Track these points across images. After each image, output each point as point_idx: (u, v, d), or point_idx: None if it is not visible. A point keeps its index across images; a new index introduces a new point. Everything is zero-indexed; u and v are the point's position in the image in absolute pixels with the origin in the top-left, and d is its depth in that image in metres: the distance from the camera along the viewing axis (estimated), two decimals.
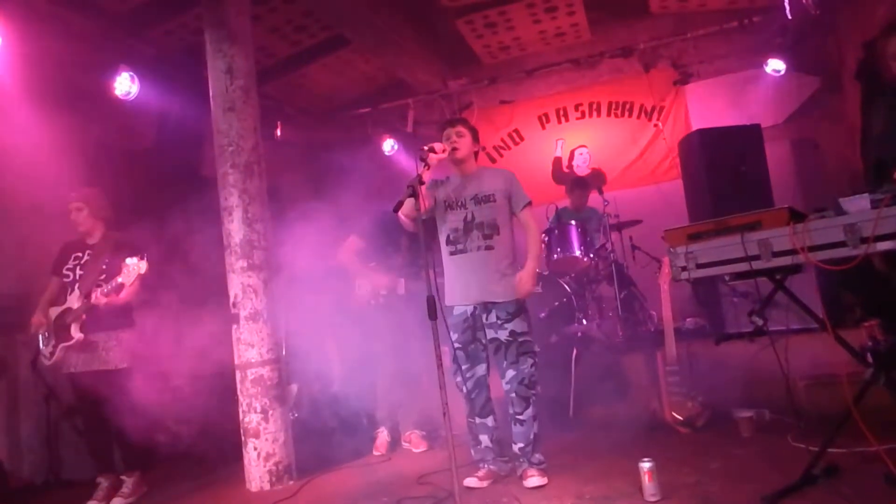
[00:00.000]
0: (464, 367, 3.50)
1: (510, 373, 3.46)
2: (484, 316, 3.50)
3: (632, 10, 6.92)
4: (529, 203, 3.63)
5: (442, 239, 3.64)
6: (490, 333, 3.50)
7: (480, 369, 3.54)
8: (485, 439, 3.55)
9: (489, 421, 3.55)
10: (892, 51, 2.80)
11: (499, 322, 3.46)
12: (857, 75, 5.49)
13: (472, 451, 3.64)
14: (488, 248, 3.48)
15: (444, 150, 3.46)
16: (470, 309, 3.50)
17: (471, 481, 3.45)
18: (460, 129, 3.62)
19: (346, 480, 4.01)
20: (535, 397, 3.50)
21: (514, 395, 3.46)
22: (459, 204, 3.57)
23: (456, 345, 3.50)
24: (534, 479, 3.35)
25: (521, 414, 3.46)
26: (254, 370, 4.09)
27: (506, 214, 3.58)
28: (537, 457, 3.47)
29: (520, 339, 3.45)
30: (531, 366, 3.47)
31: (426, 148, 3.39)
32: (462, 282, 3.52)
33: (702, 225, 2.95)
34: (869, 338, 3.72)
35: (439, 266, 3.63)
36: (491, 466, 3.55)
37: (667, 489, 2.91)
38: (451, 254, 3.57)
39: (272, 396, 4.10)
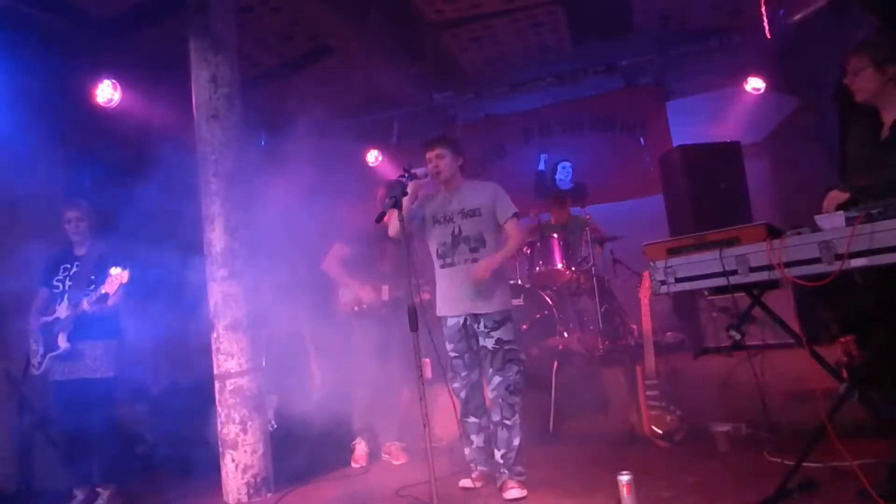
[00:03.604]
0: (463, 374, 3.63)
1: (496, 379, 3.55)
2: (474, 325, 3.61)
3: (615, 28, 7.00)
4: (515, 214, 3.67)
5: (432, 252, 3.72)
6: (480, 341, 3.60)
7: (476, 374, 3.67)
8: (477, 439, 3.66)
9: (483, 421, 3.67)
10: (851, 67, 2.86)
11: (486, 331, 3.56)
12: (835, 97, 5.59)
13: (466, 452, 3.73)
14: (474, 260, 3.56)
15: (426, 175, 3.52)
16: (461, 320, 3.61)
17: (465, 482, 3.61)
18: (439, 150, 3.64)
19: (324, 493, 3.98)
20: (518, 405, 3.58)
21: (500, 400, 3.55)
22: (447, 218, 3.66)
23: (453, 354, 3.63)
24: (514, 492, 3.37)
25: (507, 420, 3.54)
26: (233, 381, 4.04)
27: (491, 227, 3.65)
28: (518, 469, 3.50)
29: (506, 347, 3.56)
30: (516, 373, 3.58)
31: (407, 176, 3.39)
32: (452, 294, 3.62)
33: (681, 240, 2.99)
34: (844, 353, 3.78)
35: (424, 277, 3.65)
36: (483, 468, 3.66)
37: (644, 503, 2.92)
38: (441, 267, 3.67)
39: (251, 407, 4.06)
